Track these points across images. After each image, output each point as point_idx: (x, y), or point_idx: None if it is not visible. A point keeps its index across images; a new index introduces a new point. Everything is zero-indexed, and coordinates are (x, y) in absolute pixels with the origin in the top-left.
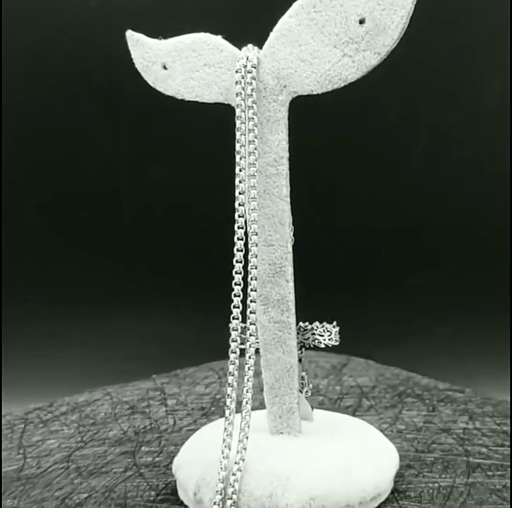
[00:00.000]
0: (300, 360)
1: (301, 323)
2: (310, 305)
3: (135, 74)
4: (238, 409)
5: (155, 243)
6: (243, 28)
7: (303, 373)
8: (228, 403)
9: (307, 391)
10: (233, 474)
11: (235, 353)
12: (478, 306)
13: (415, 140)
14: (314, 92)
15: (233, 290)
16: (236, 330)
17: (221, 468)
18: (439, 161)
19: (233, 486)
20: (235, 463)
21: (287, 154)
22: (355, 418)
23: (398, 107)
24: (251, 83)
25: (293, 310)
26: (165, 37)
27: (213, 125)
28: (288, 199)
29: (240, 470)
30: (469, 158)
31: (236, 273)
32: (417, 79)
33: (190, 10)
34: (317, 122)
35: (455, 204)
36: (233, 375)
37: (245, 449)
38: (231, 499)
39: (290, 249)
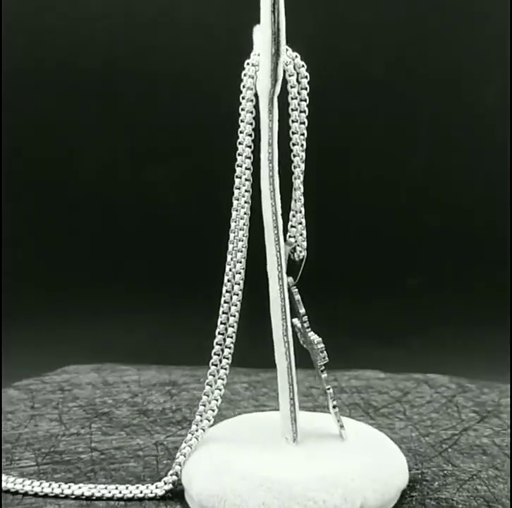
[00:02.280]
0: (322, 372)
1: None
2: (310, 305)
3: (134, 74)
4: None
5: (155, 243)
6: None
7: (327, 386)
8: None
9: (334, 407)
10: (184, 448)
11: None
12: (478, 306)
13: (415, 140)
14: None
15: (223, 279)
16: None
17: (184, 441)
18: (439, 161)
19: (178, 458)
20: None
21: (267, 156)
22: (384, 437)
23: (398, 107)
24: (247, 82)
25: (281, 315)
26: None
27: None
28: (270, 201)
29: (191, 447)
30: (469, 158)
31: (228, 264)
32: (417, 78)
33: (194, 10)
34: (315, 121)
35: (456, 203)
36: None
37: (202, 429)
38: (174, 469)
39: (275, 252)
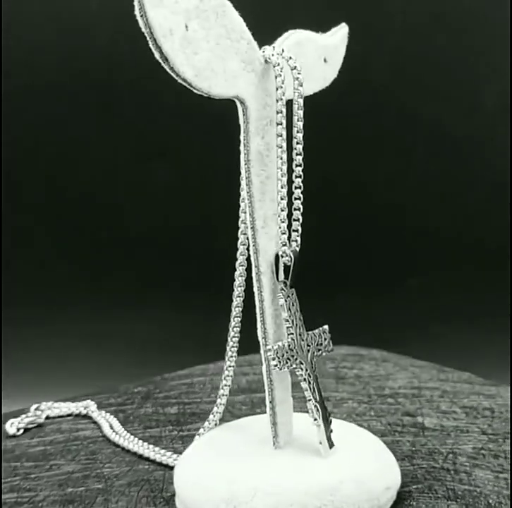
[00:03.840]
0: (302, 381)
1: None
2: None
3: (135, 74)
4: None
5: (156, 242)
6: None
7: (309, 397)
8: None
9: (315, 420)
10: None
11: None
12: (478, 306)
13: (416, 141)
14: None
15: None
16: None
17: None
18: (440, 161)
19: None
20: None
21: (243, 157)
22: (385, 458)
23: (399, 107)
24: None
25: (259, 317)
26: None
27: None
28: (247, 202)
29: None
30: (470, 159)
31: (241, 255)
32: (418, 79)
33: None
34: (315, 122)
35: (455, 204)
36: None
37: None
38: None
39: (253, 253)
